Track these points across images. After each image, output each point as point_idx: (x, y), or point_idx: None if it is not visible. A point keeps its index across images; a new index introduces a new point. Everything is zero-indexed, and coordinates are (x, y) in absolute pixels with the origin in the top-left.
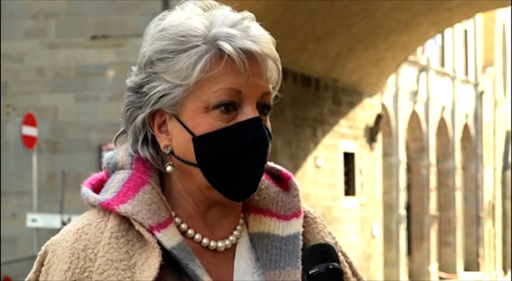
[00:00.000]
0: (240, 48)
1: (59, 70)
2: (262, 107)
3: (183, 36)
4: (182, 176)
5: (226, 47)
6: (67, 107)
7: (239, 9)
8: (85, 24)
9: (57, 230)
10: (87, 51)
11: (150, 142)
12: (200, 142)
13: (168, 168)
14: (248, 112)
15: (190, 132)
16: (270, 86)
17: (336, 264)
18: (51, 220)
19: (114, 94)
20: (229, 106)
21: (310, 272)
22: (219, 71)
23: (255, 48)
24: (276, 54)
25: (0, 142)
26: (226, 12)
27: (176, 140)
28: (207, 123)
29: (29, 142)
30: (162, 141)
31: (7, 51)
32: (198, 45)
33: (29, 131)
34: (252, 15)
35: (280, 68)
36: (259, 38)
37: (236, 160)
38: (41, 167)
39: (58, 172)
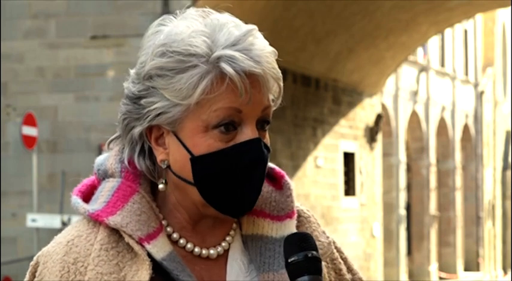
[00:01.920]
0: (242, 70)
1: (59, 70)
2: (262, 122)
3: (184, 55)
4: (177, 191)
5: (228, 70)
6: (67, 107)
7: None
8: (85, 24)
9: (58, 230)
10: (87, 51)
11: (147, 153)
12: (198, 162)
13: (160, 186)
14: (248, 132)
15: (189, 152)
16: (271, 97)
17: (314, 252)
18: (51, 220)
19: (114, 94)
20: (229, 126)
21: (289, 261)
22: (221, 92)
23: (258, 70)
24: (278, 73)
25: (0, 142)
26: (229, 28)
27: (173, 156)
28: (206, 144)
29: (29, 141)
30: (159, 154)
31: (7, 51)
32: (199, 65)
33: (29, 131)
34: (255, 27)
35: (282, 84)
36: (261, 57)
37: (233, 181)
38: (41, 167)
39: (58, 172)
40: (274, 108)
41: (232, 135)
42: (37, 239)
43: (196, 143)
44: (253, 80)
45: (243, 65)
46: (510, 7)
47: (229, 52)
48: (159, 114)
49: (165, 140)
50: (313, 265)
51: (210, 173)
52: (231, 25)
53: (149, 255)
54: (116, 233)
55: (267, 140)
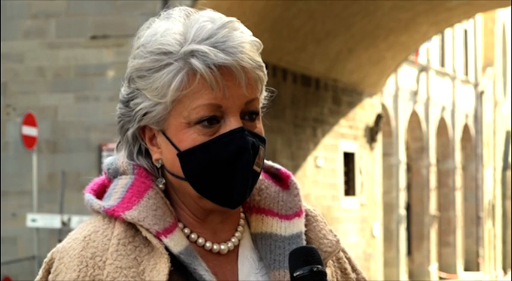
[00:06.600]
0: (213, 64)
1: (59, 70)
2: (250, 113)
3: (157, 54)
4: (176, 188)
5: (197, 64)
6: (67, 107)
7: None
8: (85, 24)
9: (57, 230)
10: (87, 51)
11: (145, 153)
12: (185, 157)
13: (160, 186)
14: (231, 123)
15: (176, 148)
16: (259, 87)
17: (319, 267)
18: (51, 220)
19: (114, 94)
20: (212, 120)
21: (294, 275)
22: (195, 88)
23: (230, 61)
24: (257, 60)
25: (0, 142)
26: (202, 23)
27: (164, 154)
28: (190, 138)
29: (29, 142)
30: (154, 154)
31: (7, 51)
32: (171, 63)
33: (29, 131)
34: (233, 20)
35: (265, 71)
36: (235, 48)
37: (222, 172)
38: (41, 167)
39: (58, 172)
40: (264, 99)
41: (215, 128)
42: (37, 239)
43: (181, 139)
44: (226, 72)
45: (213, 58)
46: (510, 7)
47: (198, 47)
48: (145, 115)
49: (157, 139)
50: (318, 279)
51: (197, 166)
52: (205, 20)
53: (166, 249)
54: (132, 228)
55: (259, 129)
